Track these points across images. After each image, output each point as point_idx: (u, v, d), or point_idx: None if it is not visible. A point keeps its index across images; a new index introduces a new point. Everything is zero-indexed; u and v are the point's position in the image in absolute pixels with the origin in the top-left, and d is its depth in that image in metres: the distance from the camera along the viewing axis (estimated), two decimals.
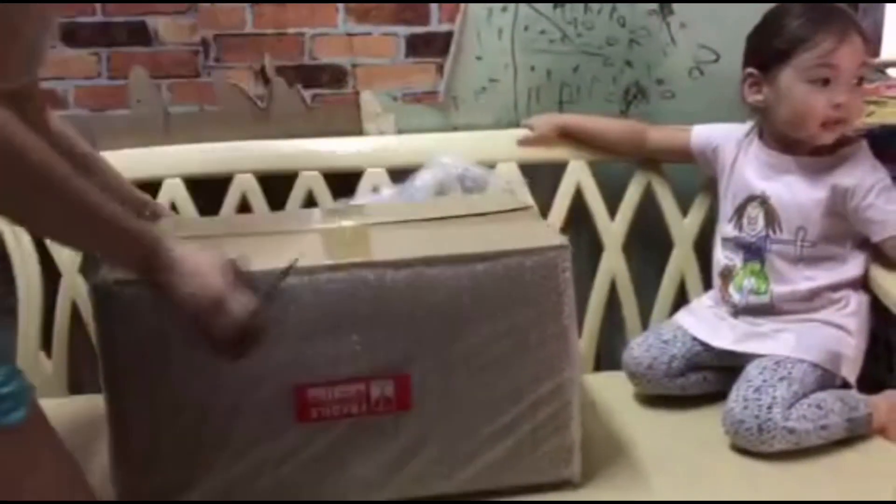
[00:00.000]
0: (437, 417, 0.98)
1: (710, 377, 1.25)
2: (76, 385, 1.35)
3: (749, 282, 1.24)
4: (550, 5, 1.42)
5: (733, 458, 1.12)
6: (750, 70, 1.23)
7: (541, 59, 1.45)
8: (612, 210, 1.41)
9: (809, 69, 1.16)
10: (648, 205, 1.41)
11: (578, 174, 1.40)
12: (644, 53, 1.45)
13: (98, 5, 1.39)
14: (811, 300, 1.21)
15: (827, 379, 1.15)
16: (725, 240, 1.29)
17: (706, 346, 1.24)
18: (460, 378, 0.97)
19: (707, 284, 1.38)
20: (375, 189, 1.34)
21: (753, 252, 1.25)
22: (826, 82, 1.16)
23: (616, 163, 1.42)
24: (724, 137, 1.31)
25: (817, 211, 1.20)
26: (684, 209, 1.41)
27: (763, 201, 1.24)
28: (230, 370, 0.88)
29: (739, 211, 1.27)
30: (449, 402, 0.98)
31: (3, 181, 0.69)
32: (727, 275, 1.28)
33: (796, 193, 1.22)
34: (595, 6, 1.43)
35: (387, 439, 0.98)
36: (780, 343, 1.18)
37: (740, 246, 1.26)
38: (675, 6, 1.43)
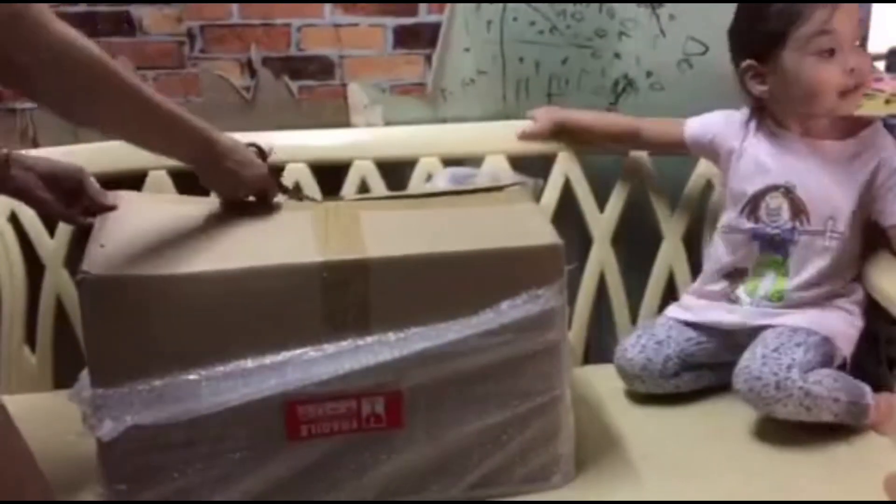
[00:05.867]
0: (427, 434, 0.97)
1: (704, 374, 1.24)
2: (61, 380, 1.33)
3: (766, 282, 1.21)
4: None
5: (724, 450, 1.12)
6: (748, 63, 1.19)
7: (529, 51, 1.44)
8: (602, 202, 1.41)
9: (811, 41, 1.12)
10: (638, 197, 1.41)
11: (567, 166, 1.40)
12: (633, 45, 1.45)
13: None
14: (828, 290, 1.19)
15: (831, 357, 1.14)
16: (733, 231, 1.23)
17: (706, 340, 1.23)
18: (451, 393, 0.97)
19: (696, 278, 1.38)
20: None
21: (775, 245, 1.20)
22: (832, 52, 1.12)
23: (605, 155, 1.41)
24: (722, 125, 1.28)
25: (850, 199, 1.17)
26: (673, 202, 1.41)
27: (787, 191, 1.19)
28: (219, 384, 0.88)
29: (754, 201, 1.21)
30: (439, 418, 0.97)
31: (86, 89, 0.80)
32: (735, 274, 1.24)
33: (825, 182, 1.17)
34: None
35: (377, 456, 0.97)
36: (793, 318, 1.17)
37: (756, 237, 1.21)
38: None
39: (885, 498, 1.01)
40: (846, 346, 1.17)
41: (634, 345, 1.23)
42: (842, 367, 1.16)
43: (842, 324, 1.18)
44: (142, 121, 0.89)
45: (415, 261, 0.94)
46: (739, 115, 1.27)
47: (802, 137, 1.20)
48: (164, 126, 0.91)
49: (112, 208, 1.04)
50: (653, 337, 1.24)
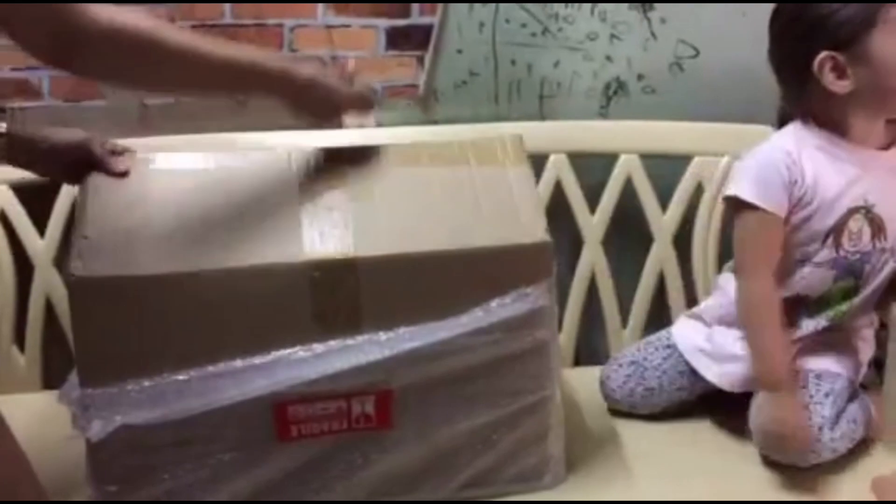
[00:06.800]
0: (417, 434, 0.97)
1: (689, 401, 1.21)
2: (50, 380, 1.33)
3: (830, 312, 1.12)
4: None
5: (714, 453, 1.13)
6: (826, 54, 1.04)
7: (522, 53, 1.45)
8: (592, 204, 1.41)
9: None
10: (628, 198, 1.41)
11: (558, 168, 1.40)
12: (624, 48, 1.45)
13: None
14: (872, 312, 1.16)
15: (852, 391, 1.12)
16: (814, 265, 1.10)
17: (699, 383, 1.18)
18: (441, 393, 0.97)
19: (687, 280, 1.39)
20: None
21: (850, 269, 1.10)
22: None
23: (595, 157, 1.42)
24: (785, 179, 1.07)
25: None
26: (664, 203, 1.41)
27: (867, 211, 1.08)
28: (209, 384, 0.87)
29: (838, 229, 1.08)
30: (429, 418, 0.97)
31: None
32: (792, 301, 1.12)
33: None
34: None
35: (368, 456, 0.97)
36: (816, 361, 1.12)
37: (836, 266, 1.10)
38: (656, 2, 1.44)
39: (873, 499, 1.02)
40: (860, 376, 1.15)
41: (622, 386, 1.19)
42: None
43: (860, 356, 1.15)
44: (206, 80, 0.92)
45: (404, 259, 0.94)
46: (786, 139, 1.10)
47: (863, 148, 1.09)
48: (232, 79, 0.94)
49: (123, 175, 0.99)
50: (643, 382, 1.19)
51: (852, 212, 1.08)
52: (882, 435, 1.13)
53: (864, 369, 1.17)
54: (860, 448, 1.11)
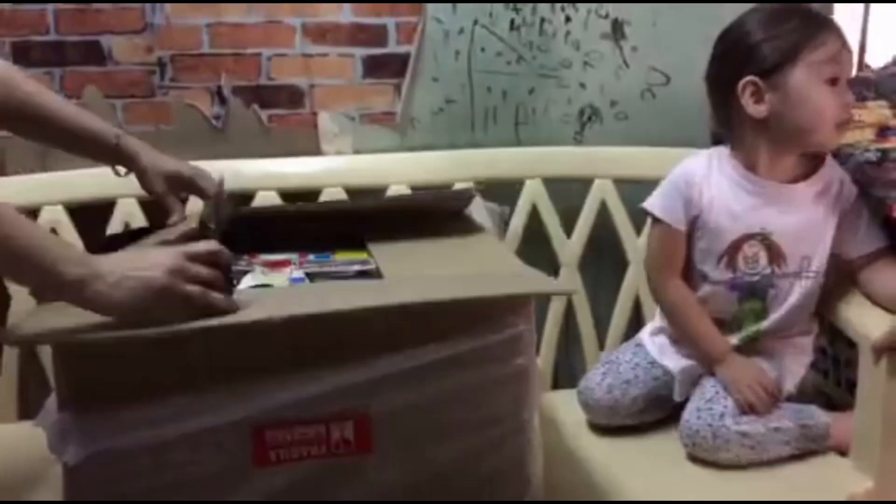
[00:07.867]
0: (396, 459, 0.96)
1: (669, 405, 1.22)
2: (26, 411, 1.32)
3: (742, 332, 1.18)
4: (507, 28, 1.45)
5: (689, 476, 1.12)
6: (749, 79, 1.11)
7: (497, 81, 1.47)
8: (568, 228, 1.43)
9: (821, 66, 1.09)
10: (604, 222, 1.43)
11: (534, 192, 1.42)
12: (597, 76, 1.49)
13: (51, 23, 1.38)
14: (797, 329, 1.19)
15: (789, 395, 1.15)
16: (711, 283, 1.18)
17: (672, 378, 1.20)
18: (420, 418, 0.96)
19: None
20: None
21: (752, 290, 1.17)
22: (834, 82, 1.10)
23: (570, 182, 1.44)
24: (686, 184, 1.17)
25: (825, 238, 1.16)
26: (639, 227, 1.43)
27: (764, 238, 1.15)
28: (186, 409, 0.87)
29: (732, 251, 1.16)
30: (408, 443, 0.97)
31: None
32: (718, 324, 1.19)
33: (799, 225, 1.15)
34: (549, 29, 1.46)
35: (347, 482, 0.97)
36: None
37: (735, 287, 1.17)
38: (627, 31, 1.47)
39: None
40: (790, 382, 1.17)
41: (600, 384, 1.20)
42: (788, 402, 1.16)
43: (793, 364, 1.18)
44: None
45: (377, 310, 0.94)
46: (699, 162, 1.18)
47: (769, 180, 1.15)
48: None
49: None
50: (619, 376, 1.21)
51: (746, 237, 1.15)
52: (854, 453, 1.14)
53: (797, 377, 1.19)
54: (833, 466, 1.13)
